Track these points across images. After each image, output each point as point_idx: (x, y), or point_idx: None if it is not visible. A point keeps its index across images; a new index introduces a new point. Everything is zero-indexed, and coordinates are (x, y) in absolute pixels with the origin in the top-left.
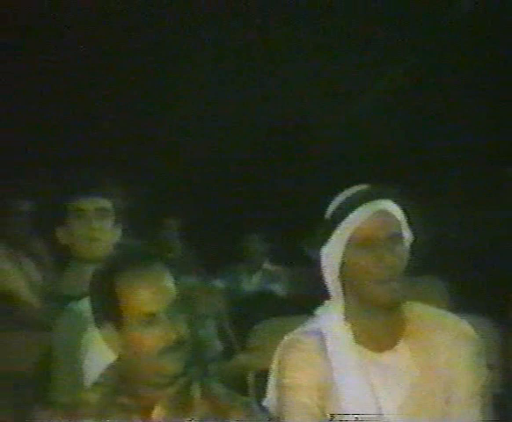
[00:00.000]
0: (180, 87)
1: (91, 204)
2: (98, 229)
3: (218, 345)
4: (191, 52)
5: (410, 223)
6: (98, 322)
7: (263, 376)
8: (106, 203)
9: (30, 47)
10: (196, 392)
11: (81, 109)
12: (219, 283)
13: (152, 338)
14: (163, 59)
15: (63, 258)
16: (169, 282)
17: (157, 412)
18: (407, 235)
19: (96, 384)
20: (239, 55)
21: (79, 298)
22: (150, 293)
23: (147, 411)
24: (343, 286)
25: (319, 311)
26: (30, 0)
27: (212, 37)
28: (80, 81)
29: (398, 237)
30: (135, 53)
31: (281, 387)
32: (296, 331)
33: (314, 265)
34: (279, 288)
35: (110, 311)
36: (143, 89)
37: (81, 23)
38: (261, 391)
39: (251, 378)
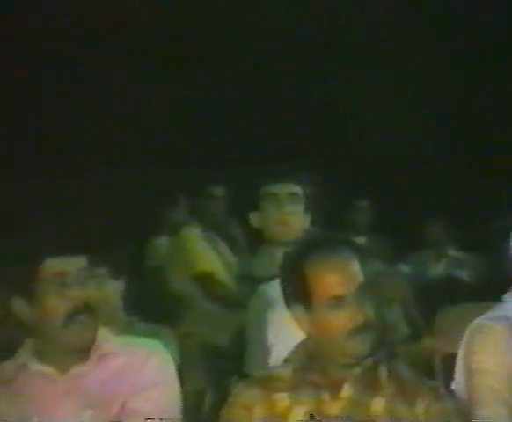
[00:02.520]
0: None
1: (283, 189)
2: (290, 213)
3: (405, 329)
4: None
5: None
6: (289, 303)
7: (449, 360)
8: (298, 189)
9: None
10: (383, 373)
11: (274, 106)
12: (405, 268)
13: (340, 320)
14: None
15: (256, 241)
16: (356, 267)
17: (346, 390)
18: None
19: (287, 360)
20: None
21: (270, 280)
22: (338, 277)
23: (336, 388)
24: None
25: (507, 297)
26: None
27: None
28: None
29: None
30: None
31: (469, 371)
32: (484, 316)
33: (500, 252)
34: (464, 274)
35: (300, 293)
36: (332, 82)
37: None
38: (448, 375)
39: (437, 362)
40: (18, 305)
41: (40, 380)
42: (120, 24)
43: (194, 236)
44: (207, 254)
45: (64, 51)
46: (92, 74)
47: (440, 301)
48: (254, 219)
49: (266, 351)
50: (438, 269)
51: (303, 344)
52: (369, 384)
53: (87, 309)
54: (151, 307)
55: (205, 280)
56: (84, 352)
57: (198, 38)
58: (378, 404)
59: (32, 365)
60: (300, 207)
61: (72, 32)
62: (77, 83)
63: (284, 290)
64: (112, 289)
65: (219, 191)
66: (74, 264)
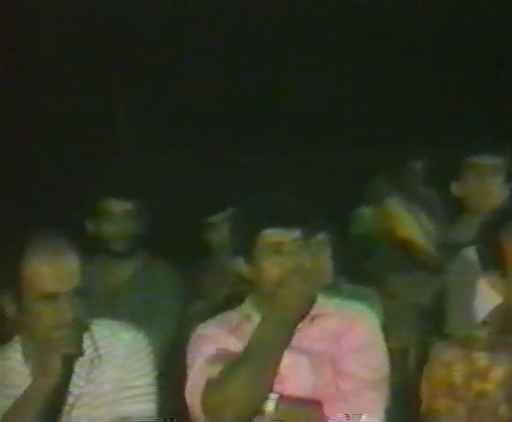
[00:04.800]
0: None
1: (486, 160)
2: (492, 183)
3: None
4: None
5: None
6: (485, 268)
7: None
8: (499, 160)
9: None
10: None
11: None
12: None
13: None
14: None
15: (455, 209)
16: None
17: None
18: None
19: (485, 322)
20: None
21: (469, 246)
22: None
23: None
24: None
25: None
26: None
27: None
28: None
29: None
30: None
31: None
32: None
33: None
34: None
35: (495, 260)
36: None
37: None
38: None
39: None
40: (240, 264)
41: None
42: None
43: (397, 206)
44: (409, 222)
45: None
46: None
47: None
48: (456, 188)
49: (465, 312)
50: None
51: (499, 307)
52: None
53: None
54: (357, 270)
55: (407, 246)
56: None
57: None
58: None
59: (254, 317)
60: (500, 179)
61: None
62: None
63: (481, 256)
64: (323, 254)
65: (419, 165)
66: (289, 235)
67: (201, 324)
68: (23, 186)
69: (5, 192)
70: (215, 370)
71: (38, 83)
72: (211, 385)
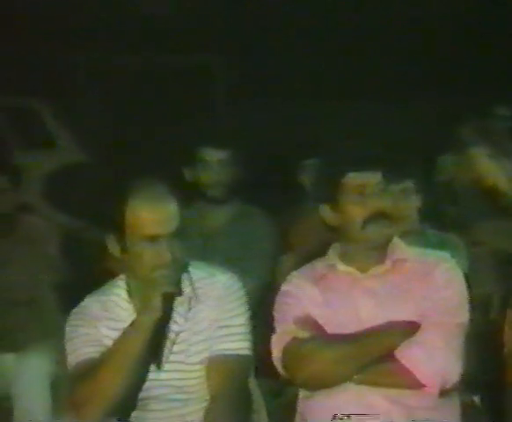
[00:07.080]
0: None
1: None
2: None
3: None
4: None
5: None
6: None
7: None
8: None
9: None
10: None
11: None
12: None
13: None
14: None
15: None
16: None
17: None
18: None
19: None
20: None
21: None
22: None
23: None
24: None
25: None
26: None
27: None
28: None
29: None
30: None
31: None
32: None
33: None
34: None
35: None
36: None
37: None
38: None
39: None
40: (325, 211)
41: (345, 278)
42: None
43: (482, 154)
44: (494, 170)
45: None
46: None
47: None
48: None
49: None
50: None
51: None
52: None
53: (383, 216)
54: (443, 217)
55: (492, 194)
56: (380, 254)
57: None
58: None
59: (338, 265)
60: None
61: None
62: None
63: None
64: (408, 200)
65: (503, 110)
66: (371, 178)
67: (288, 277)
68: (128, 138)
69: (111, 144)
70: (301, 335)
71: (142, 40)
72: (298, 354)
